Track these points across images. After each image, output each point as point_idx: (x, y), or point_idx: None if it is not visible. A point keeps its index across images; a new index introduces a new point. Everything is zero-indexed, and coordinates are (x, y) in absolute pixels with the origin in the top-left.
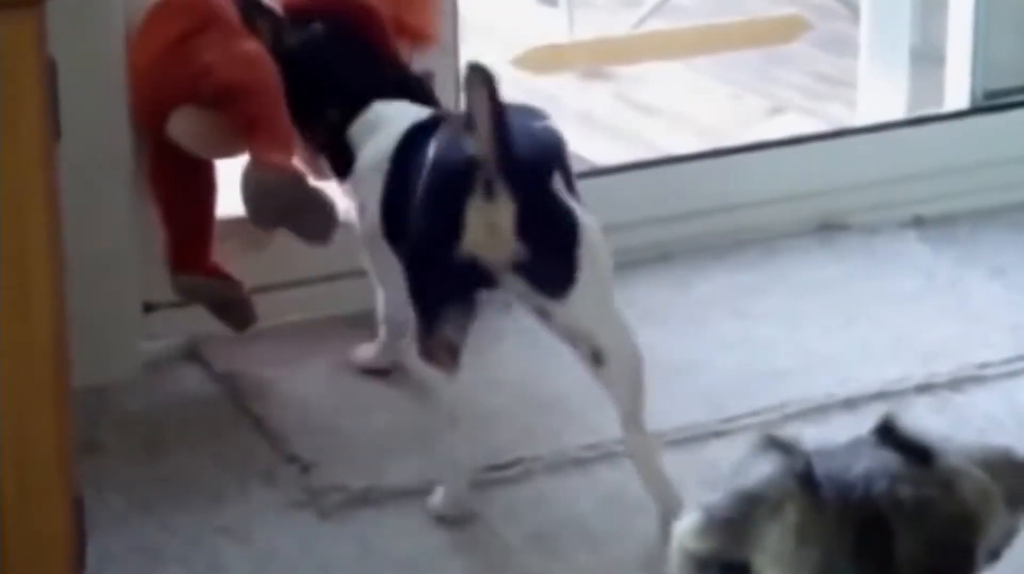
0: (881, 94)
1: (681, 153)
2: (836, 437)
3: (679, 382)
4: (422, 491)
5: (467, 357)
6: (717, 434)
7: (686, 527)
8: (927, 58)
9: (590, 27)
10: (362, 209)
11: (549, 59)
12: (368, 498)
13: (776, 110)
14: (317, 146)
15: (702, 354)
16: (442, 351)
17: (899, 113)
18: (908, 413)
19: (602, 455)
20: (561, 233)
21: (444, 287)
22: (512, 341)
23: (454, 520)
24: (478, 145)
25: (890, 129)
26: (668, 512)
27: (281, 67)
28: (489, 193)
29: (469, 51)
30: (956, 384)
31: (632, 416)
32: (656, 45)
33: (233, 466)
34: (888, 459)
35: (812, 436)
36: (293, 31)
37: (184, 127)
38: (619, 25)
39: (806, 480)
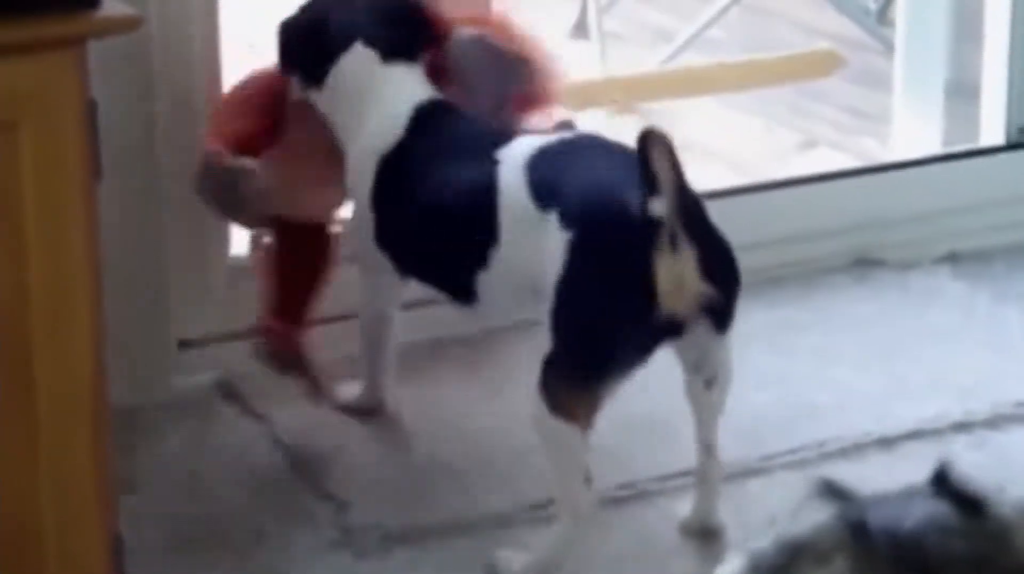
0: (915, 129)
1: (715, 188)
2: (874, 476)
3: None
4: (459, 530)
5: (498, 394)
6: (755, 472)
7: (728, 571)
8: (962, 93)
9: (621, 60)
10: (353, 202)
11: (583, 95)
12: (406, 537)
13: (808, 144)
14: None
15: (739, 390)
16: (585, 409)
17: (933, 148)
18: (959, 459)
19: (637, 494)
20: (732, 267)
21: (636, 348)
22: None
23: None
24: (663, 205)
25: (925, 164)
26: (700, 519)
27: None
28: (674, 246)
29: None
30: (994, 422)
31: (715, 440)
32: (691, 81)
33: (270, 505)
34: (942, 511)
35: (854, 476)
36: None
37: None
38: (651, 59)
39: (858, 531)
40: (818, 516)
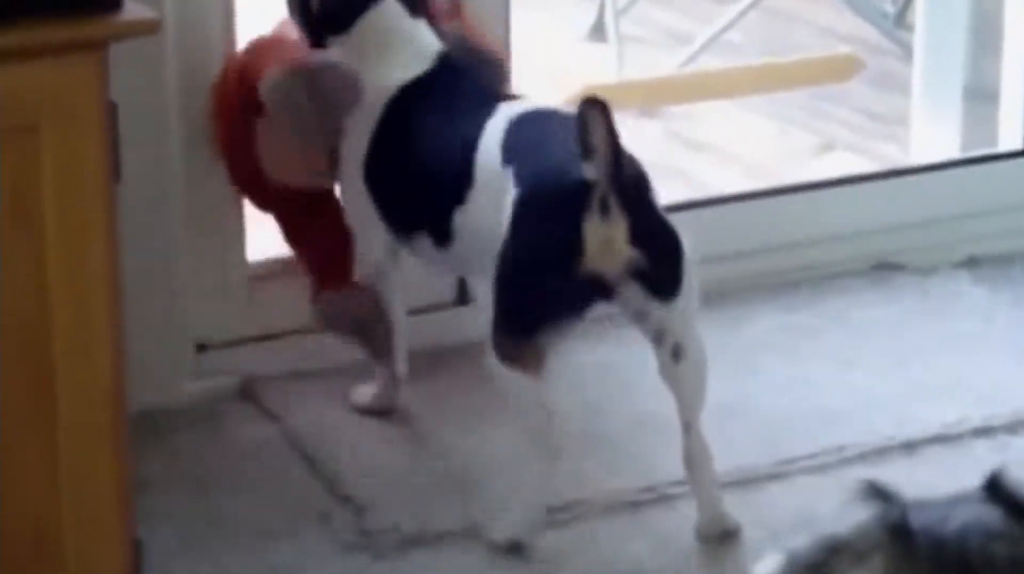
0: (933, 133)
1: (733, 192)
2: (895, 481)
3: (733, 423)
4: (475, 533)
5: None
6: (773, 476)
7: (765, 569)
8: (980, 97)
9: (639, 63)
10: (349, 141)
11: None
12: (422, 539)
13: (826, 147)
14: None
15: (756, 395)
16: (530, 356)
17: (952, 152)
18: (1014, 469)
19: (657, 498)
20: (670, 241)
21: (563, 303)
22: (565, 383)
23: (518, 546)
24: (596, 168)
25: (943, 168)
26: (711, 522)
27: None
28: (605, 211)
29: (519, 87)
30: (1015, 426)
31: (694, 419)
32: (710, 85)
33: (286, 506)
34: (989, 515)
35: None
36: None
37: (267, 147)
38: (668, 61)
39: (899, 531)
40: (859, 516)
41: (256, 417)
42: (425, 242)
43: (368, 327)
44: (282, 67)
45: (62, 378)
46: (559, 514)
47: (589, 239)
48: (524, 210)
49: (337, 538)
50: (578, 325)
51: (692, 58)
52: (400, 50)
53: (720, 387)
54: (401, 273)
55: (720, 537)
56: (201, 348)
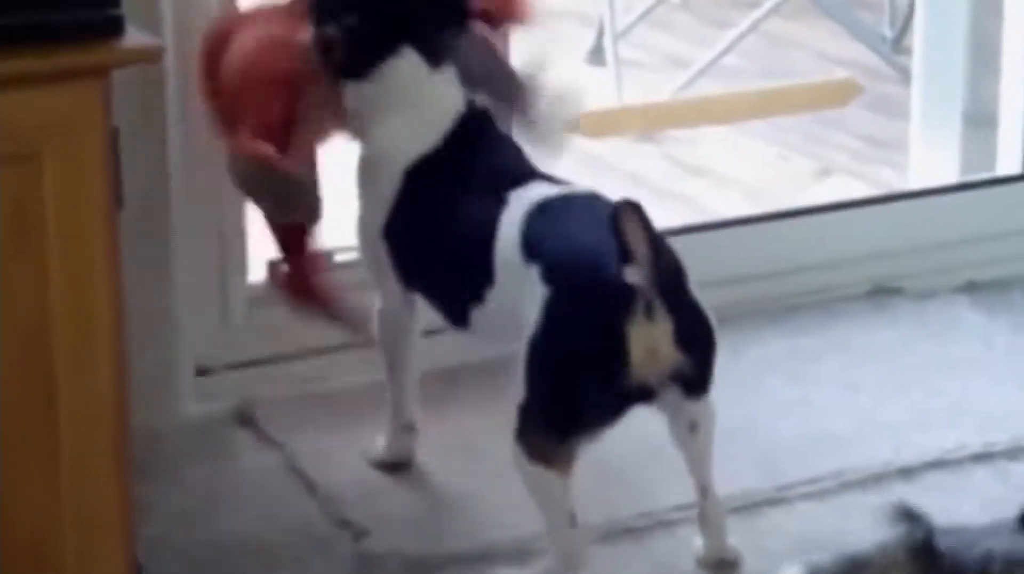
0: (932, 157)
1: (733, 217)
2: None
3: (733, 447)
4: (478, 557)
5: None
6: (772, 502)
7: None
8: (979, 121)
9: (638, 87)
10: (367, 193)
11: (602, 124)
12: (424, 565)
13: (824, 172)
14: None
15: (757, 419)
16: (561, 458)
17: (951, 177)
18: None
19: (656, 524)
20: (708, 336)
21: (604, 411)
22: None
23: None
24: (638, 273)
25: (942, 193)
26: (714, 554)
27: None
28: (649, 314)
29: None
30: (1014, 453)
31: (709, 481)
32: (709, 110)
33: (287, 532)
34: (1018, 544)
35: (874, 506)
36: None
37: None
38: (667, 85)
39: (922, 552)
40: (884, 536)
41: (256, 441)
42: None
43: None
44: (252, 157)
45: (64, 401)
46: None
47: (634, 346)
48: (558, 312)
49: (338, 564)
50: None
51: (690, 82)
52: (419, 109)
53: (721, 411)
54: (416, 324)
55: (719, 566)
56: (201, 372)
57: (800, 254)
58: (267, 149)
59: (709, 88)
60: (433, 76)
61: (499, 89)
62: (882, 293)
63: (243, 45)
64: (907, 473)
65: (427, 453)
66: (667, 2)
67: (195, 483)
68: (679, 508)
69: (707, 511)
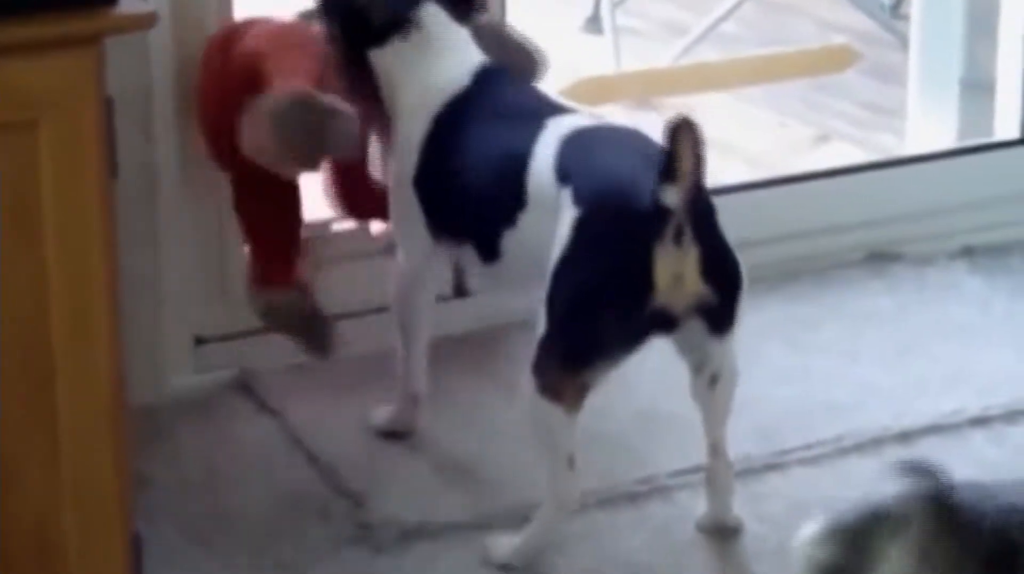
0: (930, 123)
1: (732, 183)
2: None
3: (733, 414)
4: (476, 525)
5: (511, 390)
6: (771, 467)
7: (808, 534)
8: (976, 87)
9: (635, 54)
10: (399, 148)
11: (598, 91)
12: (423, 532)
13: (823, 138)
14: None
15: (756, 386)
16: (573, 391)
17: (948, 143)
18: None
19: (654, 490)
20: (735, 274)
21: (626, 337)
22: None
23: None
24: (678, 194)
25: (940, 159)
26: (715, 520)
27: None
28: (678, 241)
29: None
30: (1012, 417)
31: (721, 439)
32: (706, 77)
33: (287, 501)
34: None
35: (872, 471)
36: None
37: (252, 133)
38: (664, 52)
39: (939, 504)
40: (903, 488)
41: (254, 411)
42: (471, 254)
43: (308, 327)
44: (291, 93)
45: (62, 374)
46: None
47: (660, 272)
48: (586, 233)
49: (337, 532)
50: (629, 358)
51: (688, 49)
52: (444, 58)
53: None
54: (433, 290)
55: (720, 531)
56: (199, 342)
57: (798, 220)
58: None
59: (707, 55)
60: (454, 26)
61: (511, 60)
62: (880, 259)
63: (265, 26)
64: (905, 437)
65: (426, 422)
66: None
67: (194, 454)
68: (676, 474)
69: (716, 472)
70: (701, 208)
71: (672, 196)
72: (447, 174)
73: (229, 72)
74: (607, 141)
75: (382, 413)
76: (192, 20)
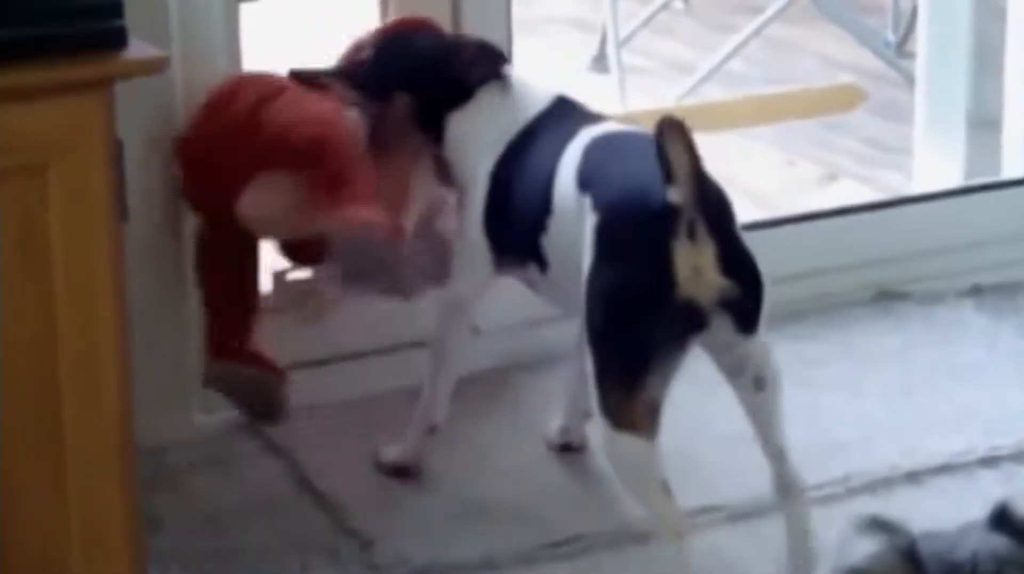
0: (937, 161)
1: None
2: (902, 511)
3: (740, 453)
4: (486, 566)
5: (519, 430)
6: (779, 507)
7: None
8: (983, 125)
9: (642, 93)
10: (464, 199)
11: None
12: (431, 572)
13: (830, 177)
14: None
15: None
16: (643, 414)
17: (955, 180)
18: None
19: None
20: (753, 270)
21: (661, 335)
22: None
23: None
24: (680, 191)
25: (947, 197)
26: (799, 548)
27: (376, 84)
28: (692, 235)
29: None
30: (1021, 457)
31: (784, 444)
32: (714, 116)
33: (294, 541)
34: (998, 543)
35: (881, 511)
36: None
37: (261, 199)
38: (670, 91)
39: (910, 558)
40: (871, 546)
41: (264, 451)
42: (534, 271)
43: (255, 397)
44: (368, 234)
45: (69, 414)
46: (563, 547)
47: (680, 265)
48: (606, 237)
49: (345, 572)
50: (679, 367)
51: (694, 88)
52: (519, 100)
53: (727, 416)
54: (470, 324)
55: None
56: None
57: (806, 259)
58: (376, 218)
59: (713, 94)
60: (513, 89)
61: None
62: (888, 297)
63: (306, 105)
64: (914, 477)
65: (436, 462)
66: (670, 7)
67: (201, 493)
68: (688, 514)
69: (785, 481)
70: (711, 203)
71: (675, 195)
72: (503, 200)
73: (251, 133)
74: (624, 147)
75: (392, 449)
76: (200, 60)
